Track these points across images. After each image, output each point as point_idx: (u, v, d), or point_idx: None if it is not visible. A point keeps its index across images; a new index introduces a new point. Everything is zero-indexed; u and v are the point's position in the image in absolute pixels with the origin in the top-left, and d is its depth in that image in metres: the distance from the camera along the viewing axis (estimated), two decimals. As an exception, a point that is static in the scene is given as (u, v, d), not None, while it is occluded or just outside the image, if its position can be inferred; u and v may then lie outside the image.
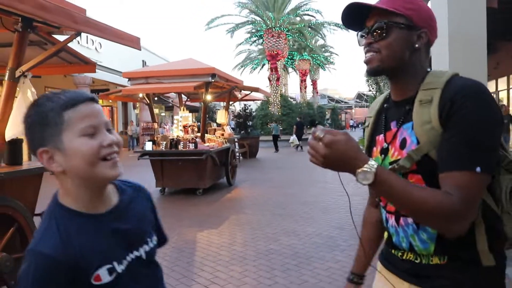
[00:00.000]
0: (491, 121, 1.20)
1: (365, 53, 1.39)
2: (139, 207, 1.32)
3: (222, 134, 11.98)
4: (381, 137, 1.46)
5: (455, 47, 5.86)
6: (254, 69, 43.78)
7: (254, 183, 11.11)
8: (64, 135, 1.10)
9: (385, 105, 1.52)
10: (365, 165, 1.18)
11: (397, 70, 1.37)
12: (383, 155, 1.42)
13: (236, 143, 16.13)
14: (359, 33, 1.43)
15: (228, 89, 12.13)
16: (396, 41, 1.33)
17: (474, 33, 5.82)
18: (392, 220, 1.43)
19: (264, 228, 6.44)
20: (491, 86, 17.60)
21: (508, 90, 17.12)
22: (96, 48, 20.41)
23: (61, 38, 4.44)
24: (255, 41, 34.14)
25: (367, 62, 1.38)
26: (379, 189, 1.22)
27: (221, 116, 13.21)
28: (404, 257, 1.40)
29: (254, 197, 9.15)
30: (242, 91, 14.25)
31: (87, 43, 19.54)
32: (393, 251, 1.46)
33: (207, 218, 7.25)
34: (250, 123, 20.19)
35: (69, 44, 4.39)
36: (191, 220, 7.10)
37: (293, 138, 22.24)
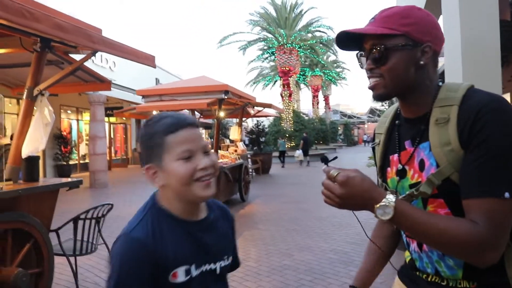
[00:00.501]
0: None
1: (368, 78, 1.30)
2: (223, 226, 1.43)
3: (235, 150, 12.02)
4: (395, 157, 1.37)
5: (468, 59, 5.86)
6: (267, 86, 43.98)
7: (267, 198, 11.09)
8: (164, 156, 1.23)
9: (396, 122, 1.42)
10: (383, 200, 1.12)
11: (405, 91, 1.27)
12: (398, 177, 1.34)
13: (249, 159, 16.15)
14: (358, 54, 1.34)
15: (241, 105, 12.21)
16: (398, 64, 1.23)
17: (488, 46, 5.81)
18: (414, 245, 1.36)
19: (278, 243, 6.42)
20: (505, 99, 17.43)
21: (523, 103, 16.93)
22: (110, 67, 20.74)
23: (77, 57, 4.54)
24: (267, 57, 34.35)
25: (371, 88, 1.29)
26: (399, 223, 1.14)
27: (234, 133, 13.27)
28: (429, 279, 1.31)
29: (268, 212, 9.13)
30: (255, 107, 14.33)
31: (101, 62, 19.88)
32: (417, 273, 1.38)
33: (221, 234, 7.24)
34: (263, 139, 20.23)
35: (85, 63, 4.48)
36: (204, 236, 7.09)
37: (299, 153, 22.51)
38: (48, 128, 4.12)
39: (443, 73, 11.85)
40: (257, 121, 20.49)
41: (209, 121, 22.71)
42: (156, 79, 27.35)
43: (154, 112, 11.35)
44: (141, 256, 1.19)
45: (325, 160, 1.25)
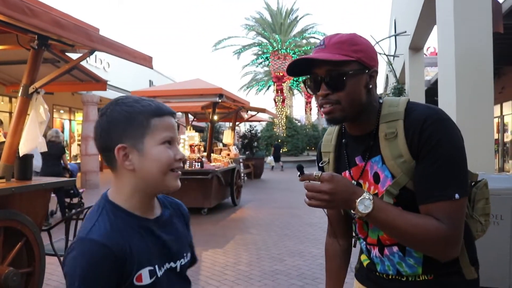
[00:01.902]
0: (459, 145, 1.24)
1: (322, 104, 1.33)
2: (179, 223, 1.38)
3: (228, 154, 12.02)
4: (347, 173, 1.46)
5: (462, 71, 5.92)
6: (260, 91, 44.01)
7: (259, 203, 11.08)
8: (146, 138, 1.17)
9: (343, 140, 1.50)
10: (364, 194, 1.24)
11: (358, 112, 1.34)
12: None
13: (241, 164, 16.14)
14: (307, 80, 1.36)
15: (235, 109, 12.22)
16: (354, 89, 1.29)
17: (481, 58, 5.88)
18: (375, 251, 1.45)
19: (269, 248, 6.42)
20: (496, 110, 17.61)
21: (513, 114, 17.11)
22: (104, 68, 20.63)
23: (73, 56, 4.52)
24: (261, 62, 34.43)
25: (327, 113, 1.33)
26: (376, 218, 1.24)
27: (227, 136, 13.27)
28: (390, 278, 1.43)
29: (260, 217, 9.12)
30: (249, 111, 14.34)
31: (95, 62, 19.77)
32: (377, 273, 1.48)
33: (212, 237, 7.23)
34: (256, 144, 20.25)
35: (80, 63, 4.47)
36: (196, 239, 7.01)
37: (270, 159, 23.11)
38: (43, 126, 4.10)
39: (436, 82, 11.82)
40: (250, 125, 20.49)
41: (202, 124, 22.69)
42: (150, 80, 27.27)
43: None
44: (103, 259, 1.10)
45: (300, 169, 1.31)
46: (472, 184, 1.42)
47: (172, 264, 1.28)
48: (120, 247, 1.12)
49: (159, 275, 1.21)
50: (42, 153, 7.06)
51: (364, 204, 1.22)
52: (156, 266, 1.20)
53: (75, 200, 8.95)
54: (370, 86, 1.33)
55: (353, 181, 1.41)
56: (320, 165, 1.62)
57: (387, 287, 1.44)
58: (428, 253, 1.30)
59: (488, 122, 5.91)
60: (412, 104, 1.33)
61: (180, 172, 1.24)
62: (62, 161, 8.45)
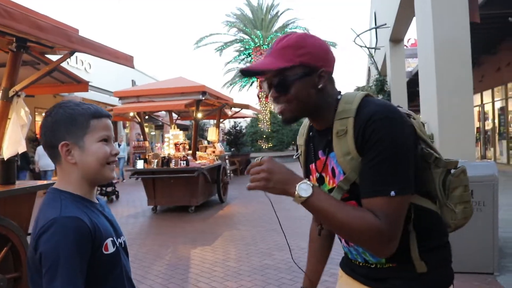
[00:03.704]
0: (400, 143, 1.24)
1: (274, 104, 1.41)
2: (109, 210, 1.56)
3: (213, 152, 12.00)
4: (313, 166, 1.52)
5: (441, 61, 6.00)
6: (243, 87, 43.76)
7: (246, 199, 11.10)
8: (86, 137, 1.38)
9: (310, 133, 1.56)
10: (303, 180, 1.27)
11: (310, 111, 1.40)
12: (318, 184, 1.47)
13: (227, 160, 16.14)
14: (263, 82, 1.42)
15: (218, 106, 12.20)
16: (300, 92, 1.34)
17: (459, 47, 5.97)
18: (343, 241, 1.54)
19: (257, 243, 6.45)
20: (476, 100, 17.88)
21: (492, 103, 17.39)
22: (85, 68, 20.43)
23: (53, 57, 4.48)
24: (243, 59, 34.34)
25: (280, 113, 1.41)
26: (313, 205, 1.26)
27: (212, 134, 13.24)
28: (361, 264, 1.49)
29: (247, 213, 9.14)
30: (233, 108, 14.33)
31: (76, 63, 19.57)
32: (351, 261, 1.56)
33: (201, 235, 7.23)
34: (241, 140, 20.24)
35: (61, 66, 4.43)
36: (184, 238, 7.08)
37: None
38: (25, 129, 4.06)
39: (417, 73, 12.06)
40: (235, 122, 20.48)
41: (187, 122, 22.61)
42: (133, 80, 27.06)
43: (131, 114, 11.26)
44: (83, 233, 1.25)
45: (249, 163, 1.35)
46: (449, 171, 1.43)
47: (120, 240, 1.48)
48: (89, 221, 1.30)
49: (117, 245, 1.42)
50: None
51: (303, 189, 1.24)
52: (114, 237, 1.41)
53: (109, 189, 11.63)
54: (320, 86, 1.35)
55: (316, 174, 1.48)
56: (294, 157, 1.70)
57: (359, 272, 1.51)
58: (364, 247, 1.36)
59: (469, 111, 6.01)
60: (366, 101, 1.34)
61: (114, 166, 1.44)
62: None
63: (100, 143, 1.39)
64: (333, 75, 1.43)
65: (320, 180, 1.47)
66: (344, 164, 1.32)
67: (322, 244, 1.77)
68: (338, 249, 1.70)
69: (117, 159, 1.48)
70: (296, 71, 1.33)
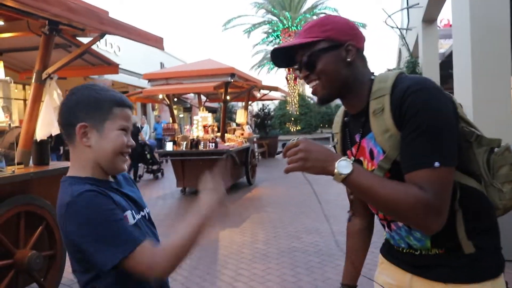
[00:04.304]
0: (441, 114, 1.20)
1: (308, 85, 1.43)
2: (128, 184, 1.60)
3: (242, 134, 12.02)
4: (350, 152, 1.50)
5: (477, 43, 5.79)
6: (271, 69, 43.64)
7: (274, 182, 11.12)
8: (107, 123, 1.38)
9: (345, 119, 1.55)
10: (342, 157, 1.24)
11: (343, 88, 1.39)
12: None
13: (255, 143, 16.17)
14: (295, 68, 1.45)
15: (247, 88, 12.17)
16: (328, 65, 1.34)
17: (497, 25, 5.73)
18: (386, 227, 1.50)
19: (286, 226, 6.46)
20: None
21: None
22: (115, 51, 20.64)
23: (84, 40, 4.52)
24: (271, 41, 34.09)
25: (314, 93, 1.41)
26: (354, 182, 1.22)
27: (241, 116, 13.25)
28: (404, 251, 1.46)
29: (275, 195, 9.16)
30: (261, 90, 14.28)
31: (106, 46, 19.77)
32: (394, 247, 1.52)
33: (229, 216, 7.27)
34: (269, 122, 20.20)
35: (92, 48, 4.48)
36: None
37: None
38: (57, 112, 4.12)
39: (450, 55, 11.64)
40: (263, 104, 20.42)
41: (215, 104, 22.68)
42: (161, 63, 27.24)
43: (160, 96, 11.34)
44: (100, 196, 1.30)
45: (284, 145, 1.36)
46: (492, 150, 1.37)
47: (142, 213, 1.51)
48: (106, 195, 1.33)
49: (137, 218, 1.44)
50: None
51: (343, 166, 1.22)
52: (133, 211, 1.43)
53: (155, 167, 12.65)
54: (349, 60, 1.35)
55: (352, 158, 1.45)
56: (331, 146, 1.66)
57: (402, 259, 1.47)
58: (409, 223, 1.30)
59: (506, 94, 5.80)
60: (401, 78, 1.32)
61: (127, 158, 1.44)
62: (140, 138, 11.41)
63: (119, 131, 1.39)
64: (364, 54, 1.43)
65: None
66: (383, 142, 1.30)
67: (360, 240, 1.72)
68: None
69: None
70: (321, 45, 1.35)
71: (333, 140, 1.66)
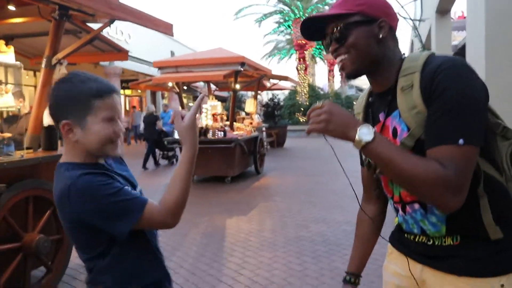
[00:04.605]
0: (470, 93, 1.17)
1: (336, 60, 1.39)
2: (119, 166, 1.62)
3: (251, 123, 12.01)
4: None
5: (492, 36, 5.69)
6: (282, 59, 43.46)
7: (282, 171, 11.11)
8: (89, 117, 1.36)
9: (369, 99, 1.53)
10: (364, 123, 1.21)
11: (372, 65, 1.36)
12: None
13: (264, 132, 16.14)
14: (324, 41, 1.43)
15: (257, 78, 12.14)
16: (359, 39, 1.32)
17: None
18: (400, 210, 1.45)
19: (293, 215, 6.46)
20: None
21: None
22: (125, 39, 20.65)
23: (94, 26, 4.52)
24: (282, 31, 33.88)
25: (341, 68, 1.38)
26: (376, 150, 1.19)
27: (250, 105, 13.24)
28: (416, 240, 1.41)
29: (283, 185, 9.16)
30: (271, 80, 14.23)
31: (116, 33, 19.78)
32: (405, 235, 1.47)
33: (236, 205, 7.31)
34: (278, 112, 20.15)
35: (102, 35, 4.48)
36: (220, 207, 7.16)
37: None
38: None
39: (463, 47, 11.47)
40: (273, 94, 20.37)
41: (225, 93, 22.67)
42: (171, 51, 27.23)
43: (170, 84, 11.34)
44: (98, 174, 1.35)
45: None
46: None
47: (137, 189, 1.54)
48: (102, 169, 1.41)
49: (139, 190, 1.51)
50: (144, 121, 12.62)
51: (365, 133, 1.19)
52: (129, 188, 1.42)
53: (171, 153, 13.22)
54: (381, 36, 1.32)
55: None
56: None
57: (413, 249, 1.43)
58: (426, 199, 1.24)
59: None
60: (432, 57, 1.28)
61: (119, 142, 1.45)
62: (156, 126, 12.32)
63: (104, 122, 1.37)
64: (396, 34, 1.40)
65: None
66: (409, 119, 1.26)
67: (370, 228, 1.68)
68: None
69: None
70: (353, 18, 1.32)
71: None
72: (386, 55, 1.35)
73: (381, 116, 1.41)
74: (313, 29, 1.43)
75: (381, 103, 1.43)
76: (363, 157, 1.59)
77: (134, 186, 1.54)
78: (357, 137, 1.19)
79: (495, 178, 1.28)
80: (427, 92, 1.21)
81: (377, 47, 1.34)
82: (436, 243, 1.34)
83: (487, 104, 1.25)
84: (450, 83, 1.17)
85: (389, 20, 1.35)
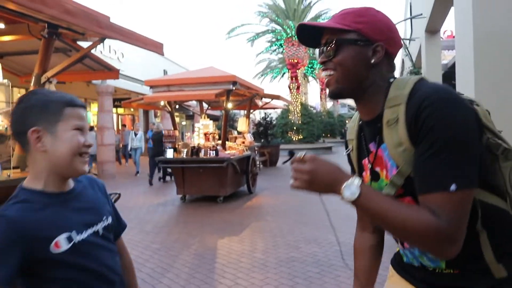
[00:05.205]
0: (459, 128, 1.08)
1: (323, 73, 1.32)
2: (93, 192, 1.54)
3: (243, 142, 11.98)
4: (366, 161, 1.39)
5: (480, 56, 5.74)
6: (274, 78, 43.79)
7: (275, 191, 11.05)
8: (59, 124, 1.34)
9: (360, 123, 1.44)
10: (350, 179, 1.15)
11: (358, 89, 1.28)
12: (373, 180, 1.36)
13: (257, 151, 16.11)
14: (318, 50, 1.37)
15: (249, 96, 12.16)
16: (348, 58, 1.24)
17: (501, 41, 5.69)
18: (399, 243, 1.40)
19: (285, 235, 6.38)
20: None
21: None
22: (118, 58, 20.70)
23: (84, 45, 4.50)
24: (275, 50, 34.17)
25: (326, 84, 1.31)
26: (366, 205, 1.14)
27: (242, 124, 13.23)
28: (417, 266, 1.35)
29: (275, 204, 9.09)
30: (263, 99, 14.27)
31: (109, 52, 19.84)
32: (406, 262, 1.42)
33: (228, 225, 7.22)
34: (271, 131, 20.16)
35: (93, 53, 4.46)
36: (212, 227, 7.07)
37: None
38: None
39: (453, 66, 11.58)
40: (265, 113, 20.40)
41: (217, 112, 22.68)
42: (164, 70, 27.31)
43: (162, 103, 11.32)
44: (11, 234, 1.22)
45: (291, 154, 1.30)
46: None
47: (94, 228, 1.43)
48: (32, 223, 1.26)
49: (76, 241, 1.34)
50: (151, 139, 13.18)
51: (350, 190, 1.13)
52: (74, 232, 1.34)
53: (170, 170, 11.97)
54: (372, 61, 1.24)
55: (369, 165, 1.36)
56: (345, 153, 1.56)
57: (414, 275, 1.37)
58: (422, 249, 1.20)
59: (509, 104, 5.74)
60: (419, 85, 1.19)
61: (87, 159, 1.40)
62: (163, 143, 12.58)
63: (74, 131, 1.35)
64: (394, 61, 1.31)
65: (375, 176, 1.33)
66: (396, 156, 1.19)
67: (370, 258, 1.60)
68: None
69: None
70: (349, 36, 1.25)
71: (346, 147, 1.55)
72: (375, 82, 1.27)
73: (372, 146, 1.34)
74: (308, 34, 1.36)
75: (370, 132, 1.35)
76: None
77: (98, 219, 1.46)
78: (343, 195, 1.15)
79: (497, 207, 1.20)
80: (412, 129, 1.13)
81: (365, 72, 1.26)
82: (437, 271, 1.28)
83: (480, 132, 1.18)
84: (437, 120, 1.08)
85: (389, 45, 1.26)
